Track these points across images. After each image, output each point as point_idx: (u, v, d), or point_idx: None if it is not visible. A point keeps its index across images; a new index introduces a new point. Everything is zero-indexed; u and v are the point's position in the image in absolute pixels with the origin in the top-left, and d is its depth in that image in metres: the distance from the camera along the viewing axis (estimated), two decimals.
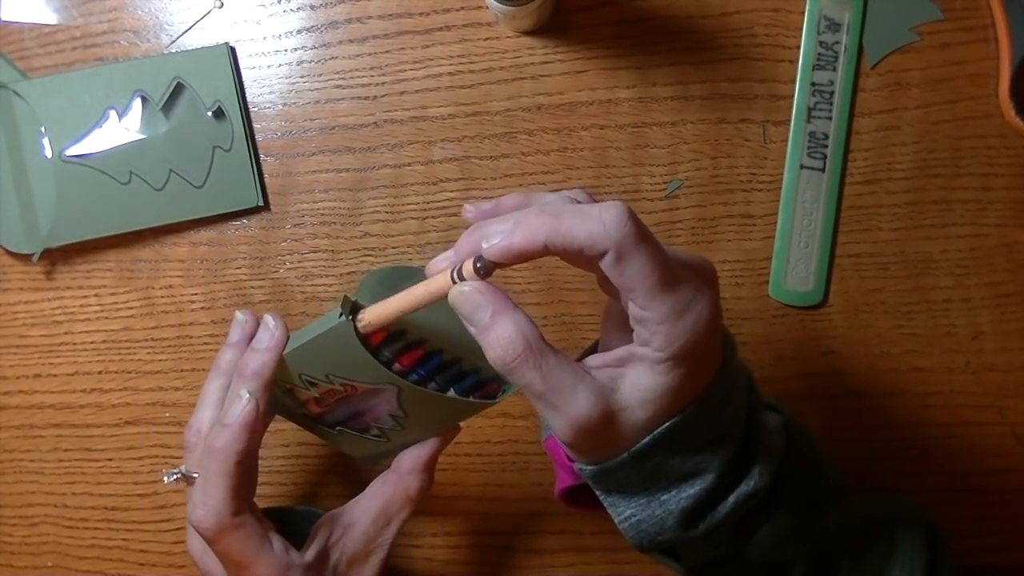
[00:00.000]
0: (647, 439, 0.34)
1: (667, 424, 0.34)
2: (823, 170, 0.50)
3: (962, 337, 0.51)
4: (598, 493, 0.38)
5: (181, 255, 0.53)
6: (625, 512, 0.37)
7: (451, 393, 0.39)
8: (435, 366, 0.39)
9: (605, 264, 0.33)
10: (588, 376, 0.34)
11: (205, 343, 0.53)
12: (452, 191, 0.52)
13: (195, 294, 0.53)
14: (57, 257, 0.53)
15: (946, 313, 0.51)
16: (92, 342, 0.53)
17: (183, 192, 0.52)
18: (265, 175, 0.52)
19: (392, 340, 0.38)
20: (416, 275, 0.36)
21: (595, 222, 0.33)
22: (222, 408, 0.42)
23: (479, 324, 0.34)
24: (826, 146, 0.50)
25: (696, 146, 0.51)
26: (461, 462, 0.52)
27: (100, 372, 0.53)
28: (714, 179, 0.51)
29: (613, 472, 0.36)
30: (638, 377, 0.34)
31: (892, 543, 0.42)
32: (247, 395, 0.40)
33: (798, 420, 0.41)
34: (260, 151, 0.52)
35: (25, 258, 0.53)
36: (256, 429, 0.40)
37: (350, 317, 0.37)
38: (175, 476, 0.43)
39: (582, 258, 0.33)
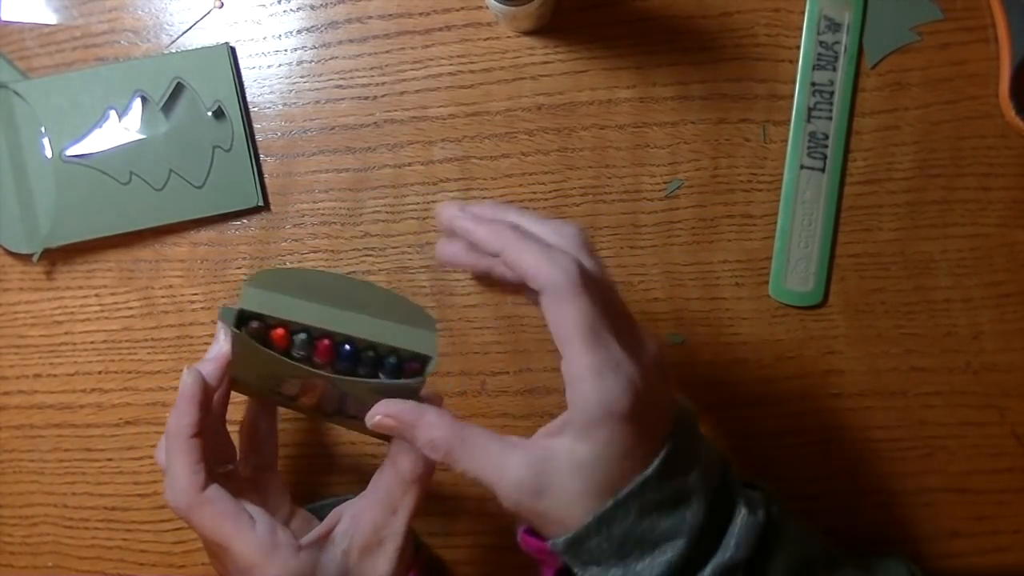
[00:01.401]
0: (609, 502, 0.35)
1: (627, 488, 0.35)
2: (823, 170, 0.50)
3: (962, 337, 0.51)
4: (575, 567, 0.37)
5: (181, 255, 0.53)
6: None
7: (380, 378, 0.40)
8: (351, 354, 0.40)
9: (542, 302, 0.35)
10: (515, 452, 0.36)
11: (205, 343, 0.53)
12: (452, 191, 0.52)
13: (195, 294, 0.53)
14: (57, 257, 0.53)
15: (946, 313, 0.51)
16: (92, 342, 0.53)
17: (183, 192, 0.52)
18: (265, 175, 0.52)
19: (297, 340, 0.40)
20: (302, 275, 0.39)
21: (546, 262, 0.35)
22: None
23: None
24: (826, 146, 0.50)
25: (696, 146, 0.51)
26: None
27: (100, 372, 0.53)
28: (714, 179, 0.51)
29: (583, 541, 0.36)
30: (566, 445, 0.35)
31: None
32: (186, 371, 0.41)
33: (776, 495, 0.41)
34: (260, 151, 0.52)
35: (25, 258, 0.53)
36: (203, 401, 0.41)
37: (240, 329, 0.39)
38: None
39: (528, 288, 0.36)
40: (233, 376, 0.43)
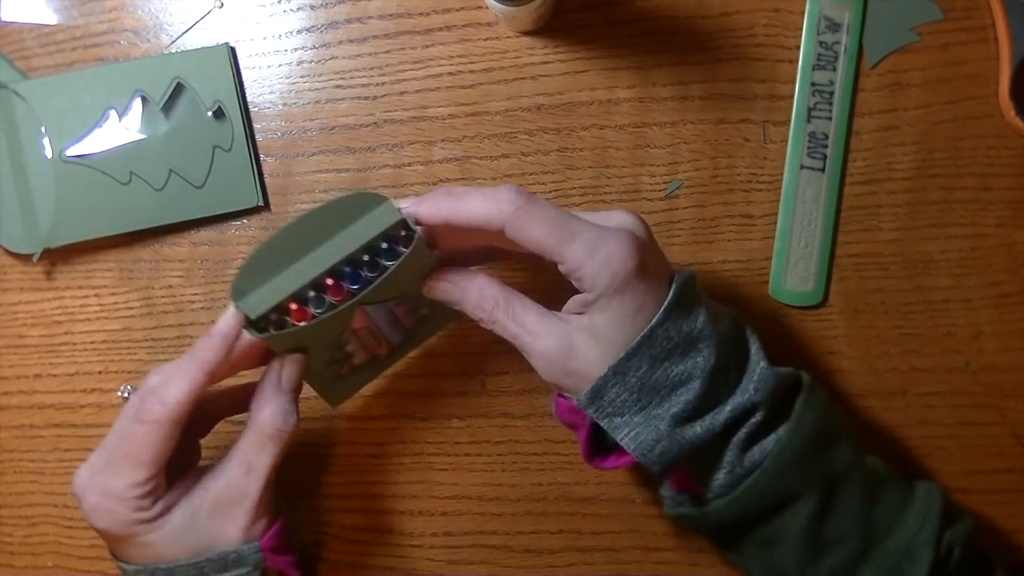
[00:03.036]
0: (622, 353, 0.39)
1: (637, 338, 0.39)
2: (823, 170, 0.50)
3: (962, 337, 0.51)
4: (602, 423, 0.41)
5: (181, 255, 0.53)
6: (624, 429, 0.41)
7: (389, 265, 0.42)
8: (352, 271, 0.42)
9: (509, 236, 0.40)
10: (548, 323, 0.41)
11: None
12: None
13: (195, 294, 0.53)
14: (57, 257, 0.53)
15: (946, 313, 0.51)
16: (92, 342, 0.53)
17: (183, 192, 0.52)
18: (265, 175, 0.52)
19: (310, 299, 0.42)
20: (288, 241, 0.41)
21: (491, 202, 0.39)
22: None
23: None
24: (826, 146, 0.50)
25: (696, 146, 0.51)
26: (461, 462, 0.52)
27: (100, 372, 0.53)
28: (714, 179, 0.51)
29: (602, 393, 0.40)
30: (586, 321, 0.40)
31: (910, 494, 0.44)
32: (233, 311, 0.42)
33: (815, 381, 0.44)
34: (260, 151, 0.52)
35: (25, 258, 0.53)
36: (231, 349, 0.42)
37: (263, 331, 0.42)
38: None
39: (486, 234, 0.40)
40: (310, 383, 0.46)
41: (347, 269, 0.42)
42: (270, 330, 0.41)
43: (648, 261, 0.40)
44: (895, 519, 0.42)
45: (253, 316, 0.41)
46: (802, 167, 0.50)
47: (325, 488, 0.53)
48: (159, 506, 0.43)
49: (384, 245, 0.42)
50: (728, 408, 0.41)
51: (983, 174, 0.50)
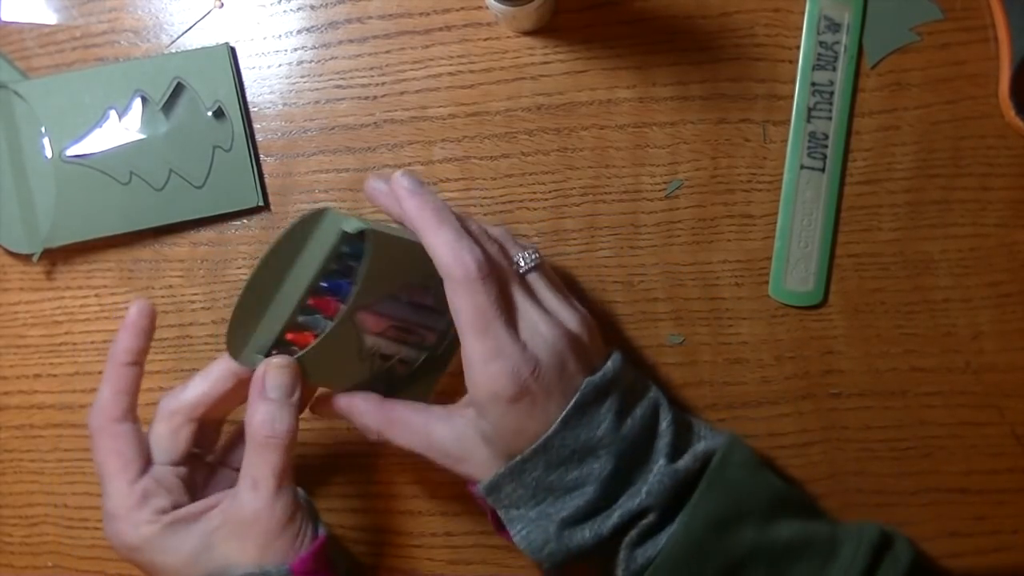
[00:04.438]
0: (517, 459, 0.40)
1: (531, 446, 0.40)
2: (823, 170, 0.50)
3: (962, 337, 0.51)
4: (499, 512, 0.41)
5: (181, 255, 0.53)
6: (518, 524, 0.41)
7: (361, 265, 0.42)
8: (336, 283, 0.43)
9: (445, 288, 0.39)
10: (438, 424, 0.42)
11: (205, 343, 0.53)
12: (452, 191, 0.52)
13: (195, 294, 0.53)
14: (57, 257, 0.53)
15: (946, 313, 0.51)
16: (92, 342, 0.53)
17: (183, 192, 0.52)
18: (265, 175, 0.52)
19: (310, 322, 0.43)
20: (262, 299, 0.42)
21: (450, 251, 0.39)
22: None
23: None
24: (826, 146, 0.50)
25: (696, 146, 0.51)
26: None
27: (100, 372, 0.53)
28: (714, 179, 0.51)
29: (499, 488, 0.41)
30: (473, 419, 0.41)
31: (829, 561, 0.42)
32: (134, 303, 0.44)
33: (741, 442, 0.44)
34: (260, 151, 0.52)
35: (25, 258, 0.53)
36: (144, 330, 0.44)
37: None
38: None
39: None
40: (387, 394, 0.46)
41: (324, 285, 0.42)
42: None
43: (535, 389, 0.39)
44: None
45: (255, 363, 0.42)
46: (802, 167, 0.50)
47: (325, 488, 0.53)
48: (166, 518, 0.41)
49: (346, 249, 0.42)
50: (617, 514, 0.40)
51: (983, 174, 0.50)
